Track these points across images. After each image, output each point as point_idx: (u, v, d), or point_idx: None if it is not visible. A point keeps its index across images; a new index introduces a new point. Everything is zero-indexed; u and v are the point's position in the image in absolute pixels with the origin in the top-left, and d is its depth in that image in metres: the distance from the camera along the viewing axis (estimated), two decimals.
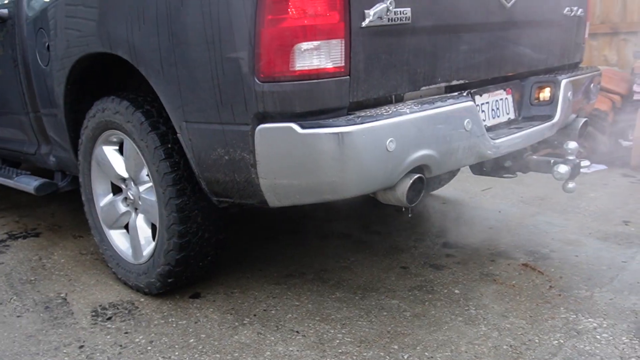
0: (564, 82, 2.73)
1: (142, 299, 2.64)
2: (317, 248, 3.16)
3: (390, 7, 1.97)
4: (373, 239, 3.26)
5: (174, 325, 2.41)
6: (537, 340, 2.22)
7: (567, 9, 2.86)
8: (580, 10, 2.95)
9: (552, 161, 2.70)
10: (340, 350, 2.19)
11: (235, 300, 2.60)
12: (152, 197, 2.46)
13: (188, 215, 2.37)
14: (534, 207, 3.74)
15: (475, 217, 3.56)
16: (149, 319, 2.46)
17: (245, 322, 2.42)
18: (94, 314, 2.53)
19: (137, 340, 2.31)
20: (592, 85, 3.03)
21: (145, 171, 2.50)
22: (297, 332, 2.33)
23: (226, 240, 2.63)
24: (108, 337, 2.34)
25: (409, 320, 2.38)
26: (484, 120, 2.46)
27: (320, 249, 3.15)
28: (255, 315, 2.47)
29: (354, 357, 2.15)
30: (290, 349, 2.22)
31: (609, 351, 2.13)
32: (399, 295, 2.59)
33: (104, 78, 2.75)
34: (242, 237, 3.35)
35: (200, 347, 2.25)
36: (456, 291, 2.62)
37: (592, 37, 5.43)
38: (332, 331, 2.32)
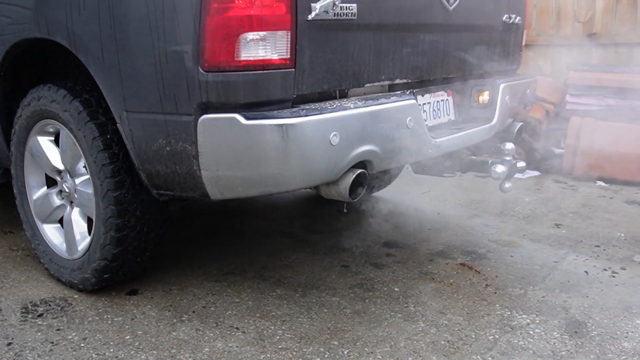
0: (502, 86, 2.82)
1: (76, 296, 2.54)
2: (258, 246, 3.14)
3: (337, 2, 1.98)
4: (315, 238, 3.26)
5: (109, 322, 2.34)
6: (473, 336, 2.27)
7: (506, 15, 2.96)
8: (518, 18, 3.05)
9: (489, 161, 2.78)
10: (280, 346, 2.18)
11: (174, 297, 2.55)
12: (89, 190, 2.38)
13: (126, 208, 2.31)
14: (471, 209, 3.83)
15: (415, 218, 3.62)
16: (82, 316, 2.38)
17: (183, 318, 2.37)
18: (23, 310, 2.42)
19: (69, 337, 2.23)
20: (528, 91, 3.14)
21: (82, 163, 2.42)
22: (237, 328, 2.30)
23: (166, 235, 2.57)
24: (39, 334, 2.25)
25: (349, 317, 2.39)
26: (426, 120, 2.50)
27: (261, 247, 3.13)
28: (194, 312, 2.42)
29: (294, 353, 2.14)
30: (230, 345, 2.19)
31: (541, 345, 2.21)
32: (339, 293, 2.60)
33: (43, 67, 2.65)
34: (181, 234, 3.28)
35: (136, 344, 2.19)
36: (396, 289, 2.65)
37: (527, 47, 5.62)
38: (272, 327, 2.31)
